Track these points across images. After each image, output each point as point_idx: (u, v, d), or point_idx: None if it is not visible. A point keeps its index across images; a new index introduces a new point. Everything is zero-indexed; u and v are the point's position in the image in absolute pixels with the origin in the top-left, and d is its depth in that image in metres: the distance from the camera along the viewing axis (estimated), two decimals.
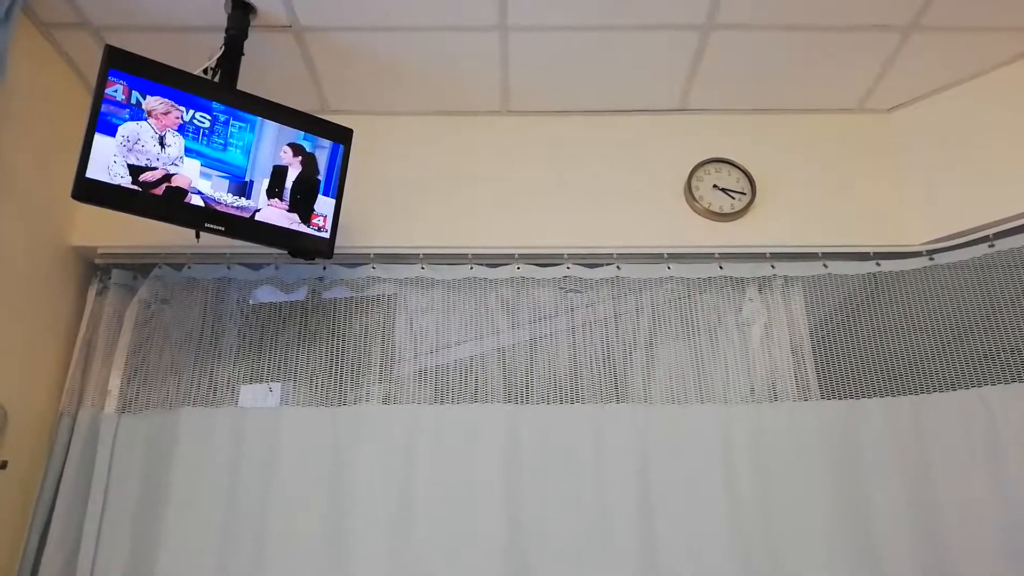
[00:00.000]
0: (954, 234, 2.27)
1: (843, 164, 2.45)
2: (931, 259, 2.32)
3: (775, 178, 2.43)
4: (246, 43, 2.13)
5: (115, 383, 2.25)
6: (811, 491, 2.07)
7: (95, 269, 2.38)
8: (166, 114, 1.87)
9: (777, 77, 2.39)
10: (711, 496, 2.07)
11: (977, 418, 2.07)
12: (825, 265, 2.35)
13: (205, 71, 2.03)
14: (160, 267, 2.37)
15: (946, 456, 2.07)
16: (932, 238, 2.31)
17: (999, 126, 2.27)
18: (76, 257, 2.34)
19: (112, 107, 1.82)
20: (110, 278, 2.36)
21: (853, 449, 2.11)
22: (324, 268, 2.38)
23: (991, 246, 2.23)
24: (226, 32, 2.10)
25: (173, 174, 1.88)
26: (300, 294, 2.39)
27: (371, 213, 2.39)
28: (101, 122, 1.80)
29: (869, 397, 2.19)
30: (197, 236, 1.99)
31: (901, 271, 2.33)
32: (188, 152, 1.90)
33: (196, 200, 1.91)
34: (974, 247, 2.26)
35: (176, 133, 1.89)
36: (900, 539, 2.01)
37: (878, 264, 2.34)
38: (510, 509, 2.06)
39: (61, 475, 2.11)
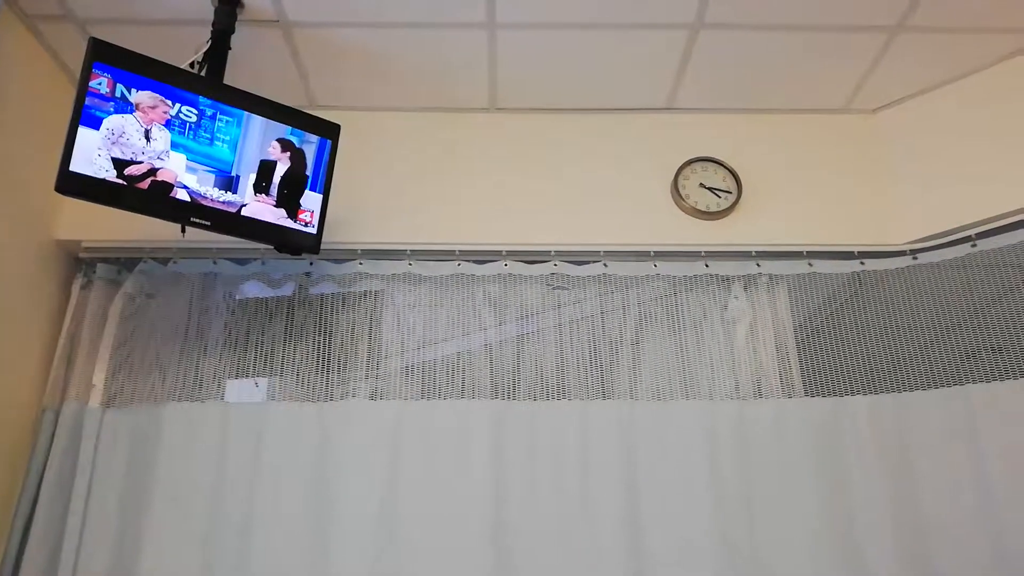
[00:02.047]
0: (937, 234, 2.29)
1: (828, 164, 2.47)
2: (914, 258, 2.34)
3: (761, 177, 2.44)
4: (233, 37, 2.12)
5: (99, 377, 2.23)
6: (795, 487, 2.08)
7: (79, 263, 2.37)
8: (153, 108, 1.86)
9: (764, 77, 2.40)
10: (695, 491, 2.08)
11: (959, 416, 2.09)
12: (810, 264, 2.36)
13: (191, 65, 2.02)
14: (145, 261, 2.35)
15: (928, 453, 2.08)
16: (916, 238, 2.33)
17: (983, 127, 2.29)
18: (60, 251, 2.33)
19: (96, 100, 1.80)
20: (95, 272, 2.35)
21: (836, 446, 2.13)
22: (311, 264, 2.37)
23: (974, 246, 2.25)
24: (213, 26, 2.09)
25: (158, 168, 1.87)
26: (287, 289, 2.38)
27: (358, 209, 2.39)
28: (85, 115, 1.79)
29: (853, 395, 2.20)
30: (183, 230, 1.98)
31: (885, 270, 2.35)
32: (174, 146, 1.89)
33: (182, 194, 1.90)
34: (957, 247, 2.28)
35: (162, 127, 1.88)
36: (883, 535, 2.02)
37: (862, 263, 2.36)
38: (496, 504, 2.06)
39: (44, 469, 2.10)
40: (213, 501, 2.06)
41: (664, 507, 2.07)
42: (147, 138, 1.86)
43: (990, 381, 2.09)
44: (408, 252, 2.38)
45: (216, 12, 2.10)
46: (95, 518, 2.07)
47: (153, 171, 1.87)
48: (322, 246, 2.12)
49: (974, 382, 2.11)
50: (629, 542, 2.03)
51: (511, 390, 2.25)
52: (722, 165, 2.44)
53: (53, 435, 2.14)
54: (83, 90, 1.79)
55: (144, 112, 1.85)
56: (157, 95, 1.87)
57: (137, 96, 1.85)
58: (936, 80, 2.39)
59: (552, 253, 2.39)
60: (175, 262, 2.36)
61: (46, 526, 2.04)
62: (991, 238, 2.22)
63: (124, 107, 1.84)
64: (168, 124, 1.89)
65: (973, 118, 2.32)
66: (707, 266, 2.37)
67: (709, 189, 2.41)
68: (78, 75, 1.83)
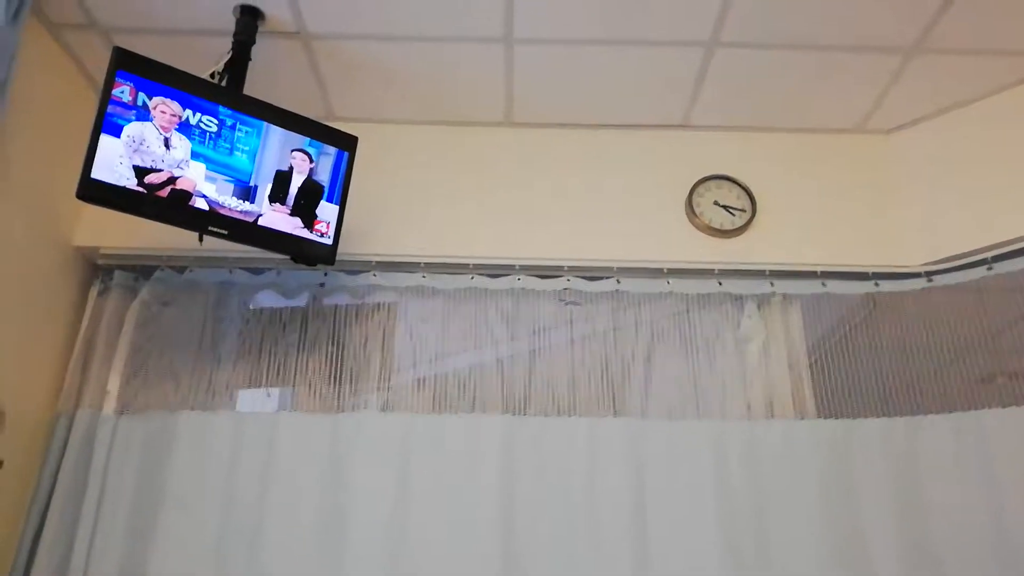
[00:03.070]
0: (953, 256, 2.29)
1: (843, 184, 2.47)
2: (930, 280, 2.33)
3: (775, 196, 2.44)
4: (254, 48, 2.14)
5: (114, 384, 2.25)
6: (805, 509, 2.07)
7: (97, 270, 2.38)
8: (163, 113, 1.88)
9: (780, 96, 2.41)
10: (704, 510, 2.08)
11: (971, 441, 2.08)
12: (824, 284, 2.36)
13: (212, 75, 2.04)
14: (162, 269, 2.37)
15: (940, 478, 2.07)
16: (931, 260, 2.32)
17: (999, 149, 2.29)
18: (78, 257, 2.34)
19: (119, 108, 1.82)
20: (112, 279, 2.36)
21: (848, 468, 2.12)
22: (325, 274, 2.38)
23: (990, 269, 2.24)
24: (234, 37, 2.11)
25: (178, 177, 1.89)
26: (301, 300, 2.39)
27: (373, 220, 2.40)
28: (107, 123, 1.81)
29: (865, 417, 2.19)
30: (200, 239, 1.99)
31: (900, 292, 2.34)
32: (194, 156, 1.91)
33: (200, 203, 1.91)
34: (973, 269, 2.27)
35: (182, 136, 1.90)
36: (893, 559, 2.01)
37: (877, 284, 2.35)
38: (505, 519, 2.06)
39: (57, 475, 2.10)
40: (224, 510, 2.07)
41: (672, 526, 2.06)
42: (167, 146, 1.88)
43: (1005, 406, 2.08)
44: (422, 264, 2.38)
45: (237, 23, 2.12)
46: (106, 525, 2.07)
47: (173, 179, 1.88)
48: (337, 257, 2.13)
49: (989, 407, 2.10)
50: (637, 560, 2.02)
51: (522, 405, 2.25)
52: (736, 183, 2.44)
53: (67, 441, 2.14)
54: (106, 98, 1.81)
55: (158, 118, 1.87)
56: (170, 100, 1.88)
57: (152, 102, 1.87)
58: (952, 102, 2.39)
59: (565, 268, 2.39)
60: (191, 271, 2.37)
61: (57, 532, 2.05)
62: (1008, 261, 2.21)
63: (145, 115, 1.86)
64: (188, 133, 1.91)
65: (989, 140, 2.31)
66: (720, 284, 2.37)
67: (723, 207, 2.41)
68: (101, 83, 1.85)
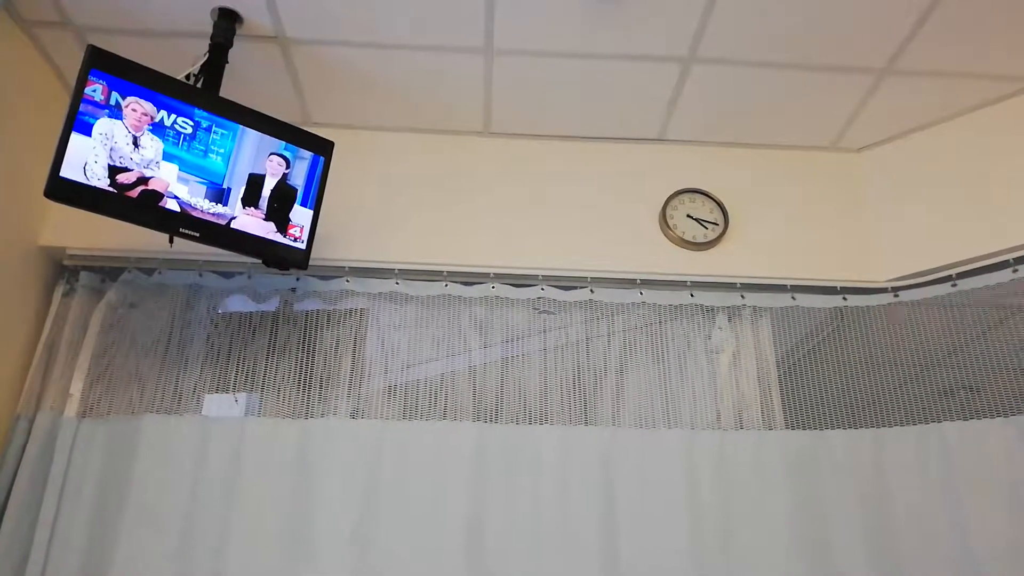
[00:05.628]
0: (918, 272, 2.33)
1: (814, 200, 2.51)
2: (896, 296, 2.37)
3: (748, 210, 2.48)
4: (231, 51, 2.13)
5: (77, 387, 2.20)
6: (773, 518, 2.09)
7: (63, 270, 2.34)
8: (134, 112, 1.85)
9: (754, 112, 2.44)
10: (674, 519, 2.08)
11: (935, 453, 2.11)
12: (793, 297, 2.39)
13: (188, 77, 2.02)
14: (130, 271, 2.33)
15: (904, 489, 2.10)
16: (897, 275, 2.36)
17: (965, 169, 2.34)
18: (44, 257, 2.30)
19: (91, 107, 1.80)
20: (78, 280, 2.32)
21: (815, 479, 2.14)
22: (297, 279, 2.36)
23: (954, 285, 2.29)
24: (211, 39, 2.10)
25: (149, 177, 1.87)
26: (271, 304, 2.37)
27: (348, 226, 2.39)
28: (78, 122, 1.78)
29: (832, 428, 2.22)
30: (171, 241, 1.96)
31: (867, 306, 2.38)
32: (167, 157, 1.89)
33: (172, 205, 1.89)
34: (937, 286, 2.31)
35: (155, 136, 1.88)
36: (858, 568, 2.03)
37: (844, 299, 2.39)
38: (475, 528, 2.05)
39: (14, 479, 2.05)
40: (187, 516, 2.03)
41: (642, 534, 2.06)
42: (135, 145, 1.85)
43: (966, 419, 2.12)
44: (396, 271, 2.37)
45: (215, 26, 2.11)
46: (64, 530, 2.02)
47: (144, 180, 1.86)
48: (310, 262, 2.11)
49: (951, 420, 2.14)
50: (606, 568, 2.02)
51: (494, 413, 2.24)
52: (710, 197, 2.47)
53: (25, 444, 2.09)
54: (78, 96, 1.78)
55: (128, 116, 1.84)
56: (138, 99, 1.86)
57: (124, 100, 1.84)
58: (919, 122, 2.45)
59: (539, 277, 2.40)
60: (160, 273, 2.34)
61: (12, 538, 1.99)
62: (971, 278, 2.26)
63: (116, 114, 1.83)
64: (162, 134, 1.88)
65: (956, 160, 2.37)
66: (692, 296, 2.39)
67: (696, 220, 2.44)
68: (72, 81, 1.83)
